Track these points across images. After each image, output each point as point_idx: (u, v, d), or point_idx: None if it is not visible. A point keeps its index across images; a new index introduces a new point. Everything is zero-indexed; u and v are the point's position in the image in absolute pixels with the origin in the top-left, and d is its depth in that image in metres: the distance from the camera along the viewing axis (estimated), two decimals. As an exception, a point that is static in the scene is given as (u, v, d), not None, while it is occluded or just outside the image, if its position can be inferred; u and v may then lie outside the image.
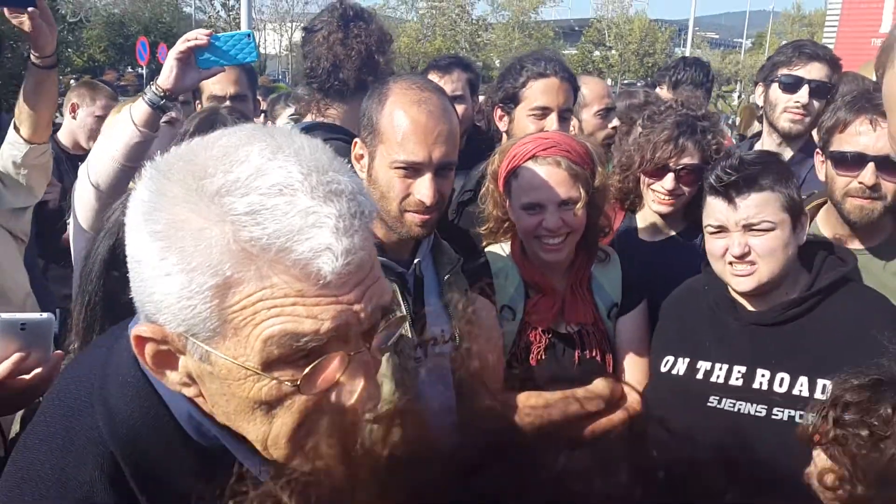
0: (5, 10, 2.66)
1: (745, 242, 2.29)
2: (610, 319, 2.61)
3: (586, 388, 2.44)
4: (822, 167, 2.76)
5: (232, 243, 0.92)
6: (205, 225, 0.93)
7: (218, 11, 37.70)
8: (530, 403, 2.33)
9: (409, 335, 2.17)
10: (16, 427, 2.13)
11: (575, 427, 2.37)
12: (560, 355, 2.54)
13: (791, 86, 3.57)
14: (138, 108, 2.59)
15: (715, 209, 2.37)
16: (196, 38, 2.59)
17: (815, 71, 3.56)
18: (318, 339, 0.95)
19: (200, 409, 1.09)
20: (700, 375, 2.40)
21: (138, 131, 2.58)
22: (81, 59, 29.89)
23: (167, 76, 2.60)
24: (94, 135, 4.78)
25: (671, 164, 2.82)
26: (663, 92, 4.93)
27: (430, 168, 2.10)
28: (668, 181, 2.83)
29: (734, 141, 5.84)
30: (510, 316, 2.54)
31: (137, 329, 1.02)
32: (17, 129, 2.98)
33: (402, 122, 2.08)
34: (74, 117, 4.85)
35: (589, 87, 3.98)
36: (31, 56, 2.80)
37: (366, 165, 2.17)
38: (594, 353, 2.55)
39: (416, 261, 2.27)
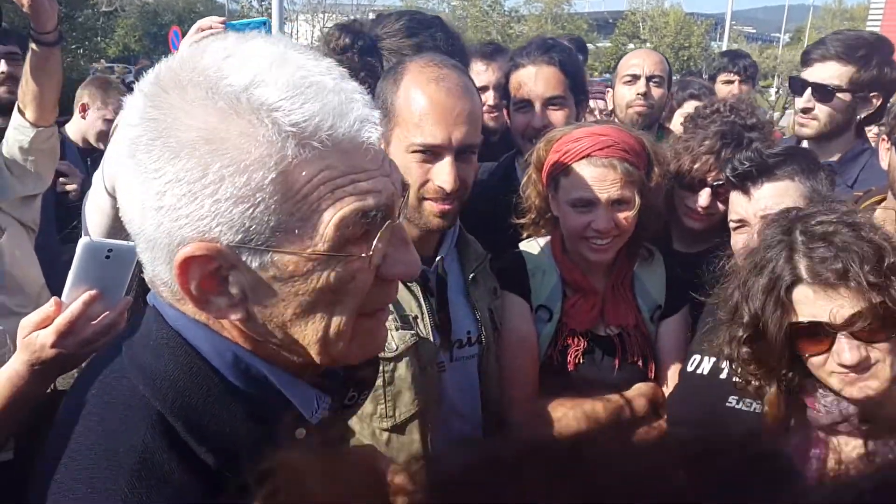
0: None
1: None
2: (653, 322, 2.41)
3: (625, 393, 2.26)
4: (886, 154, 2.53)
5: (283, 128, 0.92)
6: (245, 122, 0.92)
7: (251, 1, 37.80)
8: (563, 412, 2.15)
9: (432, 339, 1.99)
10: None
11: (611, 436, 2.23)
12: (599, 360, 2.33)
13: (797, 89, 3.34)
14: None
15: (735, 203, 2.26)
16: (210, 27, 2.41)
17: (817, 73, 3.26)
18: (381, 210, 1.00)
19: (246, 347, 1.07)
20: (724, 375, 2.21)
21: None
22: (116, 49, 30.10)
23: None
24: (102, 137, 4.63)
25: (709, 179, 2.58)
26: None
27: (450, 151, 1.92)
28: (704, 197, 2.60)
29: None
30: (546, 317, 2.34)
31: (182, 252, 0.95)
32: (21, 112, 2.84)
33: (419, 101, 1.91)
34: (84, 117, 4.66)
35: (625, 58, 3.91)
36: (31, 33, 2.64)
37: None
38: (635, 359, 2.35)
39: (438, 258, 2.09)
